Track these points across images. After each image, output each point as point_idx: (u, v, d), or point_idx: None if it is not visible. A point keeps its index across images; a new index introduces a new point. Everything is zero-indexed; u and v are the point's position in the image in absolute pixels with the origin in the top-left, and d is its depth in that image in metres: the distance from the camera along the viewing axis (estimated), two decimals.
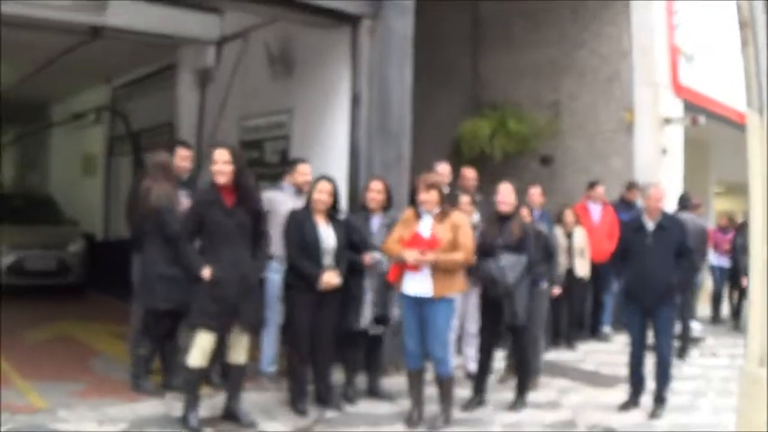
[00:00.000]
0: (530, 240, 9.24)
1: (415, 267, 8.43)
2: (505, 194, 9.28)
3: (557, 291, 10.17)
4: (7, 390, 9.49)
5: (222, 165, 8.04)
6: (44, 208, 20.38)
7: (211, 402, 8.61)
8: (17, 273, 17.30)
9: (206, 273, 7.91)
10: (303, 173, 9.85)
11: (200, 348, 8.06)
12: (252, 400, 8.91)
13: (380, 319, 9.29)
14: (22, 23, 13.46)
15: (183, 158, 9.87)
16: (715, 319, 17.26)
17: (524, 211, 9.86)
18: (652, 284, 9.26)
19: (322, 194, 8.86)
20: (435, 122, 15.71)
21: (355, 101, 11.13)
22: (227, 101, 14.19)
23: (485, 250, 9.00)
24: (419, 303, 8.50)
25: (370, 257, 9.01)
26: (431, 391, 8.82)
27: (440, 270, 8.40)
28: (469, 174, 11.59)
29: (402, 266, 8.51)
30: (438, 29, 16.04)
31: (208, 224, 8.01)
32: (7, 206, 19.96)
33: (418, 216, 8.63)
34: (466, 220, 8.83)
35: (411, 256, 8.39)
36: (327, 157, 11.11)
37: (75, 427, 8.19)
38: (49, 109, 26.25)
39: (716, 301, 17.47)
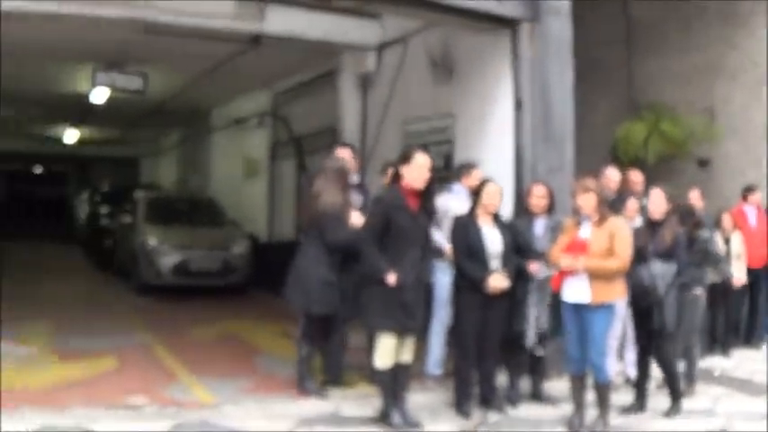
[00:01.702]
0: (681, 247, 9.07)
1: (572, 273, 8.36)
2: (656, 200, 9.11)
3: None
4: (174, 385, 9.85)
5: (427, 171, 8.14)
6: (207, 210, 20.95)
7: (374, 401, 8.63)
8: (182, 273, 17.79)
9: (392, 278, 7.99)
10: (479, 177, 9.77)
11: (385, 350, 8.20)
12: (417, 400, 8.93)
13: (544, 335, 9.23)
14: (184, 33, 13.77)
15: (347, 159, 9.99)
16: None
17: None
18: None
19: (493, 198, 8.88)
20: (592, 126, 15.48)
21: (518, 105, 11.07)
22: (389, 106, 14.24)
23: (636, 257, 8.81)
24: (578, 310, 8.42)
25: (534, 266, 8.96)
26: (593, 395, 8.67)
27: (596, 276, 8.30)
28: (635, 177, 11.35)
29: (562, 273, 8.46)
30: (591, 32, 15.80)
31: (394, 228, 8.08)
32: (171, 208, 20.48)
33: (579, 222, 8.51)
34: (624, 225, 8.67)
35: (565, 262, 8.38)
36: (491, 162, 11.03)
37: (242, 423, 8.36)
38: (211, 114, 26.73)
39: None
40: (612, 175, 10.86)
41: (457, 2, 10.71)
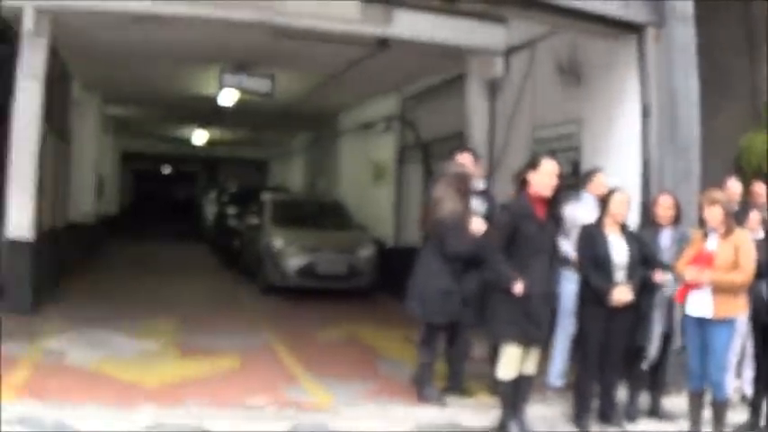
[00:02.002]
0: None
1: (697, 287, 8.30)
2: None
3: None
4: (295, 386, 10.02)
5: (554, 177, 8.19)
6: (334, 213, 21.19)
7: (494, 412, 8.68)
8: (308, 275, 18.04)
9: (518, 288, 8.03)
10: (602, 183, 9.79)
11: (509, 361, 8.26)
12: (536, 412, 8.93)
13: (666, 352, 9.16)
14: (311, 36, 14.02)
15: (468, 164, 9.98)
16: None
17: None
18: None
19: (621, 206, 8.81)
20: (714, 133, 15.20)
21: (645, 111, 11.04)
22: (516, 111, 14.25)
23: (757, 271, 8.70)
24: (701, 324, 8.37)
25: (659, 275, 8.85)
26: (710, 412, 8.56)
27: (720, 290, 8.23)
28: (759, 189, 11.18)
29: (687, 286, 8.41)
30: (713, 36, 15.53)
31: (521, 237, 8.13)
32: (298, 211, 20.78)
33: (706, 235, 8.46)
34: (748, 238, 8.56)
35: (689, 274, 8.32)
36: (618, 169, 10.97)
37: (360, 426, 8.50)
38: (339, 117, 27.01)
39: None
40: (734, 187, 10.68)
41: (583, 6, 10.80)
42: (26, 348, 10.78)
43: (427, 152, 18.64)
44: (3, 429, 7.45)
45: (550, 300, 8.50)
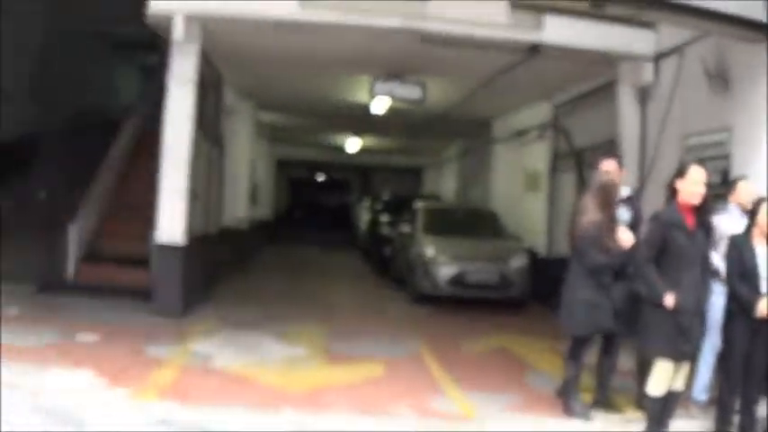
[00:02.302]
0: None
1: None
2: None
3: None
4: (439, 396, 10.17)
5: (701, 185, 8.18)
6: (487, 222, 21.28)
7: (638, 426, 8.72)
8: (458, 284, 18.20)
9: (669, 301, 8.04)
10: (746, 191, 9.70)
11: (660, 376, 8.27)
12: (678, 426, 8.88)
13: None
14: (462, 43, 14.24)
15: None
16: None
17: None
18: None
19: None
20: None
21: None
22: (667, 118, 14.13)
23: None
24: None
25: None
26: None
27: None
28: None
29: None
30: None
31: (671, 247, 8.14)
32: (450, 219, 20.94)
33: None
34: None
35: None
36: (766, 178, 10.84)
37: None
38: (491, 125, 27.01)
39: None
40: None
41: (727, 9, 10.73)
42: (173, 350, 11.38)
43: (580, 160, 18.62)
44: (144, 430, 7.85)
45: (701, 313, 8.44)
